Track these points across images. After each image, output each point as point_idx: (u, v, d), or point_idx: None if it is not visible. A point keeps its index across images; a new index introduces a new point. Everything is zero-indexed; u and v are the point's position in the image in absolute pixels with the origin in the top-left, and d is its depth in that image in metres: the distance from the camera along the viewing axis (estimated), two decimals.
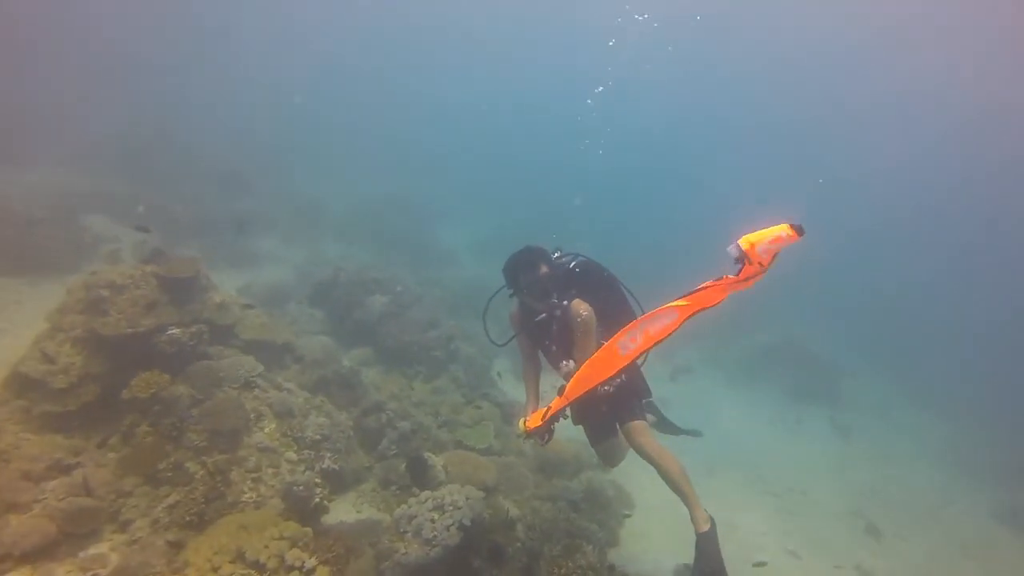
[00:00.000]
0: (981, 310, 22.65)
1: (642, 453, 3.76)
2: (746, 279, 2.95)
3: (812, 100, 33.92)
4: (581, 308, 3.70)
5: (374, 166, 23.17)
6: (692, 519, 3.62)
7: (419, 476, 6.03)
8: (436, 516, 5.31)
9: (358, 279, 9.59)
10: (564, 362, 3.75)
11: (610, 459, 4.52)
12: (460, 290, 13.55)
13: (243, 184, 16.95)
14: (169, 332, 5.57)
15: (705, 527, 3.59)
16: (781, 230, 2.84)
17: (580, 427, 4.29)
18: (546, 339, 3.98)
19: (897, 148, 32.39)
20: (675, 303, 3.09)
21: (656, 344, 3.12)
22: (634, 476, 8.91)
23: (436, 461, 6.27)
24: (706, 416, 12.63)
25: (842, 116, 34.20)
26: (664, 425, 5.24)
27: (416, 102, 34.85)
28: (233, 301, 6.98)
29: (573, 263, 4.02)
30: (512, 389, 9.64)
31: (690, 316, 3.07)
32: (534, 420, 3.52)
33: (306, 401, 6.72)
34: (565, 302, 3.73)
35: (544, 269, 3.71)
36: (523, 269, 3.73)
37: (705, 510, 3.64)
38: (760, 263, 2.88)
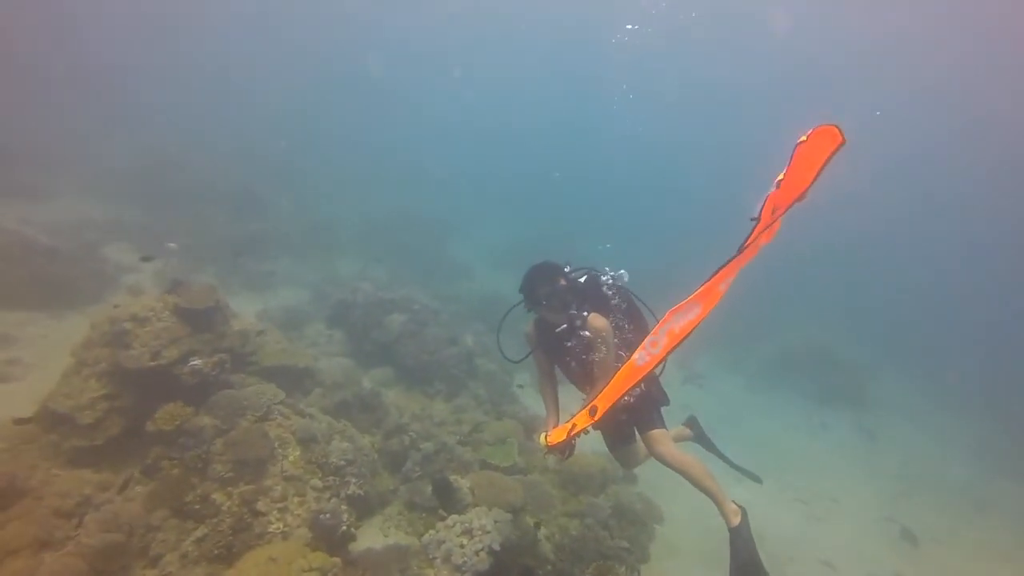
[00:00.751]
0: (1005, 307, 22.17)
1: (664, 461, 3.76)
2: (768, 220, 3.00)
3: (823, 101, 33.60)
4: (598, 322, 3.77)
5: (386, 182, 23.36)
6: (723, 515, 3.66)
7: (446, 499, 5.98)
8: (465, 541, 5.26)
9: (375, 299, 9.59)
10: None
11: (628, 463, 4.57)
12: (477, 304, 13.54)
13: (258, 205, 17.08)
14: (192, 363, 5.59)
15: (736, 520, 3.64)
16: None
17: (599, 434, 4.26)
18: (565, 354, 3.96)
19: (911, 147, 32.04)
20: (698, 291, 3.06)
21: (681, 342, 3.06)
22: (661, 488, 8.82)
23: (462, 484, 6.22)
24: (729, 423, 12.48)
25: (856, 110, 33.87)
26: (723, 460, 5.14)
27: (424, 117, 35.10)
28: (252, 328, 7.00)
29: (583, 277, 4.04)
30: (533, 403, 9.56)
31: (714, 302, 3.04)
32: (557, 435, 3.48)
33: (329, 426, 6.69)
34: (585, 313, 3.77)
35: (562, 282, 3.78)
36: (541, 282, 3.77)
37: (734, 502, 3.70)
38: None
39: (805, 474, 10.98)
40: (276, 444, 5.89)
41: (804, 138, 2.91)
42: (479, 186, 25.14)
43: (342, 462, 6.23)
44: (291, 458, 5.92)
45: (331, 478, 6.07)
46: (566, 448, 3.62)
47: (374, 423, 7.72)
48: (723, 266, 3.08)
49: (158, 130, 21.10)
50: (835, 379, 15.18)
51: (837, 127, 2.84)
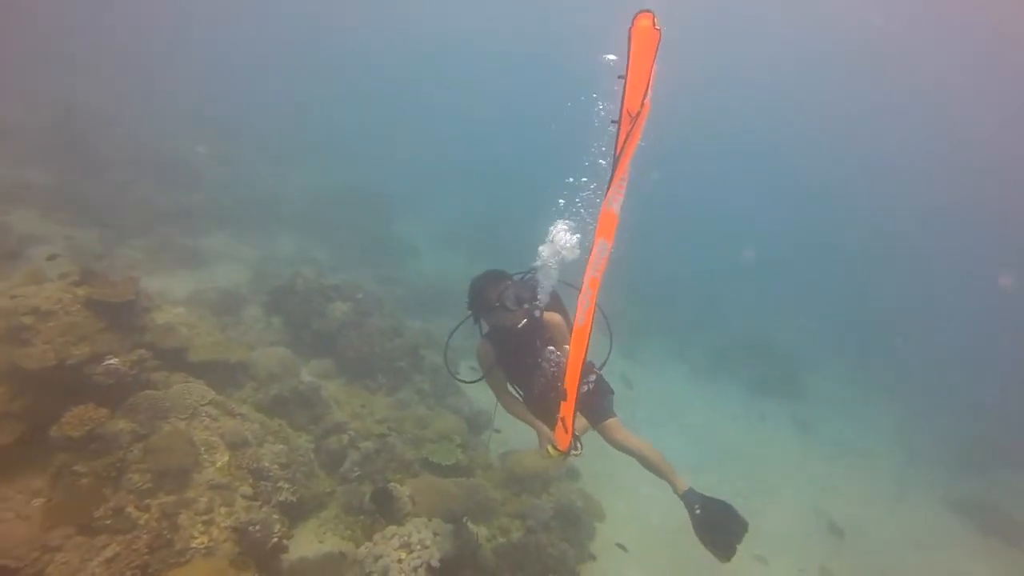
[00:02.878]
0: (934, 300, 23.46)
1: (624, 448, 3.88)
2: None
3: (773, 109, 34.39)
4: (554, 318, 3.94)
5: (331, 155, 22.37)
6: (675, 488, 3.80)
7: (385, 508, 5.74)
8: (403, 555, 5.05)
9: (317, 286, 9.11)
10: (549, 349, 3.87)
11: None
12: (423, 289, 13.18)
13: (192, 175, 16.03)
14: (106, 362, 5.08)
15: (688, 485, 3.81)
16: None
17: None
18: (531, 356, 3.89)
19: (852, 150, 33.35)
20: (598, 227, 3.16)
21: (598, 280, 3.19)
22: (602, 482, 8.89)
23: (401, 491, 5.98)
24: (673, 413, 12.75)
25: (809, 122, 34.91)
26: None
27: (373, 89, 33.66)
28: (180, 320, 6.47)
29: (527, 277, 4.02)
30: (478, 397, 9.38)
31: (613, 227, 3.14)
32: (561, 439, 3.49)
33: (262, 426, 6.30)
34: (537, 313, 3.81)
35: (509, 283, 3.79)
36: (490, 286, 3.77)
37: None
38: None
39: (744, 466, 11.30)
40: (202, 449, 5.47)
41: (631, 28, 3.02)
42: (429, 162, 24.42)
43: (275, 466, 5.88)
44: (219, 464, 5.52)
45: (263, 483, 5.72)
46: (576, 443, 3.64)
47: (312, 420, 7.35)
48: (607, 189, 3.16)
49: (86, 75, 19.43)
50: (774, 369, 15.72)
51: (650, 14, 2.96)
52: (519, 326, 3.77)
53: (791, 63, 32.97)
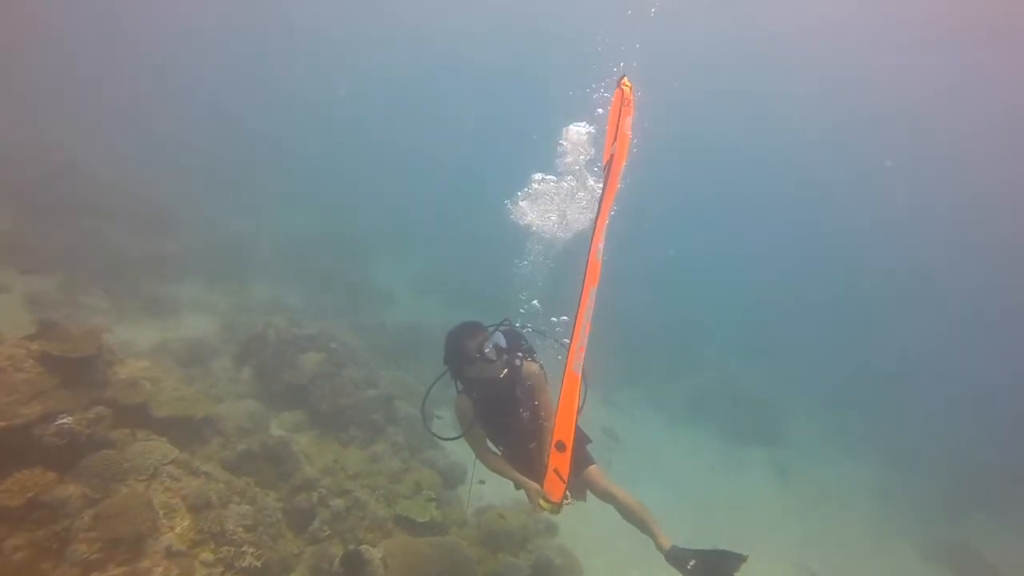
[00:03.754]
0: (912, 346, 23.84)
1: (608, 495, 3.90)
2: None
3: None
4: (532, 367, 3.94)
5: (306, 199, 22.24)
6: (659, 545, 3.76)
7: (355, 572, 5.47)
8: None
9: (289, 336, 8.91)
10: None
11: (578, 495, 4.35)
12: (399, 337, 12.97)
13: (163, 221, 15.75)
14: (59, 422, 4.82)
15: (670, 542, 3.76)
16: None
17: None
18: (513, 407, 3.87)
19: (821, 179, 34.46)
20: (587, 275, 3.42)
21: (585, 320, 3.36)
22: (580, 537, 8.65)
23: (373, 554, 5.72)
24: (652, 462, 12.58)
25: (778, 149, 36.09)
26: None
27: (344, 133, 33.89)
28: (144, 375, 6.24)
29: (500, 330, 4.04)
30: (454, 450, 9.13)
31: (596, 274, 3.39)
32: (554, 490, 3.44)
33: (228, 486, 6.02)
34: (518, 362, 3.84)
35: (486, 333, 3.80)
36: (469, 336, 3.75)
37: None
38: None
39: (723, 517, 11.13)
40: (161, 513, 5.19)
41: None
42: (404, 206, 24.48)
43: (240, 528, 5.60)
44: (178, 529, 5.23)
45: (225, 548, 5.42)
46: (569, 493, 3.56)
47: (281, 476, 7.05)
48: (593, 235, 3.44)
49: (55, 117, 19.23)
50: (751, 416, 15.65)
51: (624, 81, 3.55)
52: (500, 376, 3.74)
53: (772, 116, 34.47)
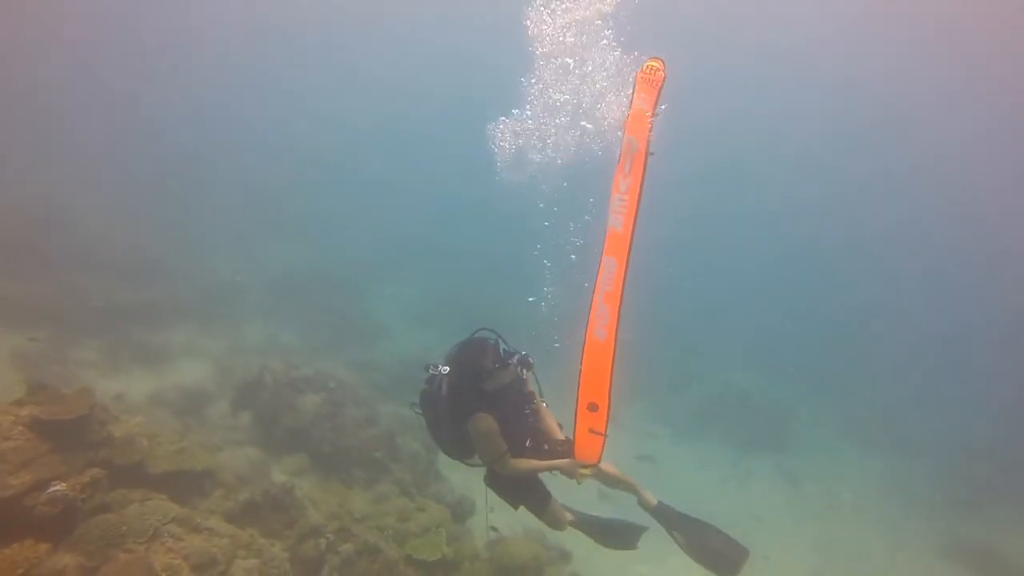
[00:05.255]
0: (918, 338, 23.76)
1: (605, 474, 4.05)
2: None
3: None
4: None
5: (295, 235, 22.12)
6: (645, 503, 4.22)
7: None
8: None
9: (286, 379, 8.76)
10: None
11: (559, 521, 4.36)
12: (397, 370, 12.80)
13: (152, 267, 15.57)
14: (51, 490, 4.64)
15: (656, 500, 4.27)
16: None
17: (522, 510, 4.25)
18: (524, 409, 4.01)
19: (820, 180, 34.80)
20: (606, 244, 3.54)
21: (621, 297, 3.50)
22: (594, 564, 8.47)
23: None
24: (660, 480, 12.39)
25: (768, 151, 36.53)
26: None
27: (334, 167, 33.92)
28: (140, 431, 6.07)
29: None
30: (461, 483, 8.96)
31: (626, 248, 3.48)
32: (592, 449, 3.67)
33: (232, 540, 5.82)
34: (530, 360, 3.95)
35: (492, 346, 3.85)
36: (481, 353, 3.78)
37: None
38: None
39: (737, 530, 10.91)
40: None
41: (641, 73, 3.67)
42: (399, 241, 24.40)
43: None
44: None
45: None
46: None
47: (286, 524, 6.85)
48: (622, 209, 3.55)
49: (44, 169, 19.06)
50: (757, 423, 15.53)
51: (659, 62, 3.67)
52: (523, 376, 3.91)
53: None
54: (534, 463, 3.90)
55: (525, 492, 4.11)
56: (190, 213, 20.48)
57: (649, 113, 3.57)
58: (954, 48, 27.44)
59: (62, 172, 20.02)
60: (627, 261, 3.48)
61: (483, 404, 3.76)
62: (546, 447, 3.96)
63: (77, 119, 26.52)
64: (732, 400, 16.50)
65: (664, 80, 3.59)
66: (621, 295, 3.49)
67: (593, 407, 3.56)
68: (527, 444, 3.98)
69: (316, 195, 27.61)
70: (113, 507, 5.16)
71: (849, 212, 34.04)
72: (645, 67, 3.69)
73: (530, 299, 5.93)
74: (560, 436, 4.09)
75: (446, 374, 3.85)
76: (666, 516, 4.24)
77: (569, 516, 4.37)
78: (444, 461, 9.43)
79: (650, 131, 3.55)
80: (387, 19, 40.04)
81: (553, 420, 4.22)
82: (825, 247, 32.53)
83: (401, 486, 8.34)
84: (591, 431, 3.59)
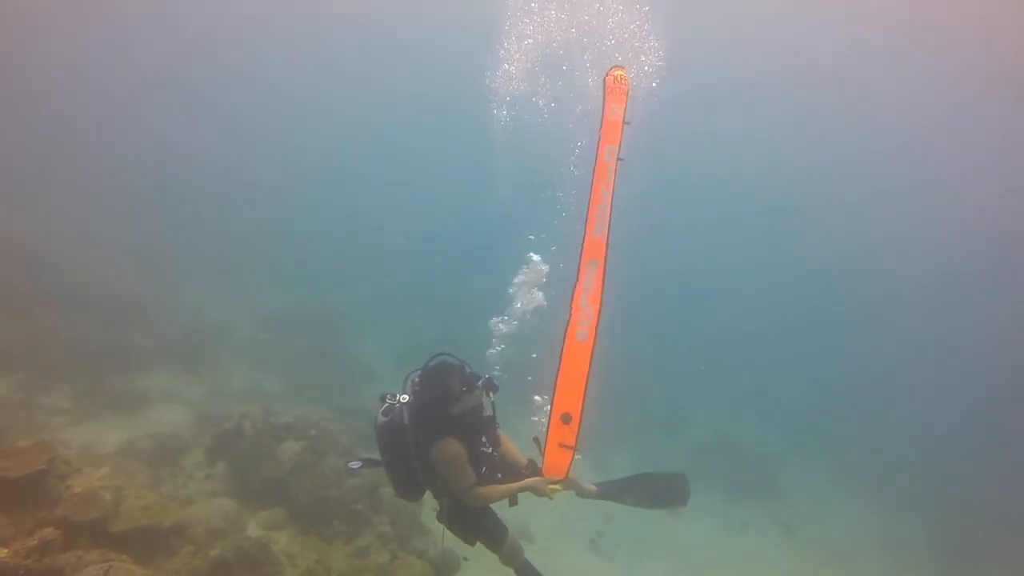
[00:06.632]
0: (911, 392, 23.61)
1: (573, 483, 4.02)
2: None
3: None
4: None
5: (278, 276, 21.87)
6: (585, 493, 4.15)
7: None
8: None
9: (266, 426, 8.40)
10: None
11: (516, 556, 4.08)
12: None
13: (130, 309, 15.17)
14: None
15: (594, 486, 4.24)
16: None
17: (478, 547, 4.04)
18: (482, 432, 3.80)
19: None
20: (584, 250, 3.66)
21: (602, 296, 3.58)
22: None
23: None
24: (652, 531, 11.98)
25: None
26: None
27: (312, 204, 33.85)
28: (104, 484, 5.71)
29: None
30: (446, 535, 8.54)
31: (602, 251, 3.60)
32: (556, 465, 3.63)
33: None
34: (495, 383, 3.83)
35: (459, 368, 3.73)
36: (448, 376, 3.64)
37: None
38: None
39: None
40: None
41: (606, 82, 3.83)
42: (382, 282, 24.20)
43: None
44: None
45: None
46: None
47: None
48: (588, 211, 3.67)
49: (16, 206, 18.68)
50: (749, 471, 15.20)
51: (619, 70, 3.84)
52: (490, 399, 3.76)
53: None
54: (503, 488, 3.75)
55: (480, 527, 3.90)
56: (173, 252, 20.22)
57: (621, 120, 3.72)
58: (953, 51, 28.20)
59: (40, 210, 19.72)
60: (603, 266, 3.60)
61: (448, 429, 3.57)
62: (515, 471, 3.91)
63: (56, 156, 26.41)
64: (723, 448, 16.18)
65: (629, 88, 3.79)
66: (602, 297, 3.58)
67: (567, 418, 3.54)
68: (490, 472, 3.84)
69: (300, 235, 27.48)
70: (66, 571, 4.78)
71: (848, 272, 34.25)
72: (611, 75, 3.80)
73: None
74: (523, 460, 3.97)
75: (406, 403, 3.71)
76: (610, 491, 4.33)
77: (592, 487, 4.27)
78: (428, 514, 9.05)
79: (621, 137, 3.71)
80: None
81: (513, 445, 4.11)
82: (827, 302, 32.55)
83: (382, 540, 7.93)
84: (562, 445, 3.58)
